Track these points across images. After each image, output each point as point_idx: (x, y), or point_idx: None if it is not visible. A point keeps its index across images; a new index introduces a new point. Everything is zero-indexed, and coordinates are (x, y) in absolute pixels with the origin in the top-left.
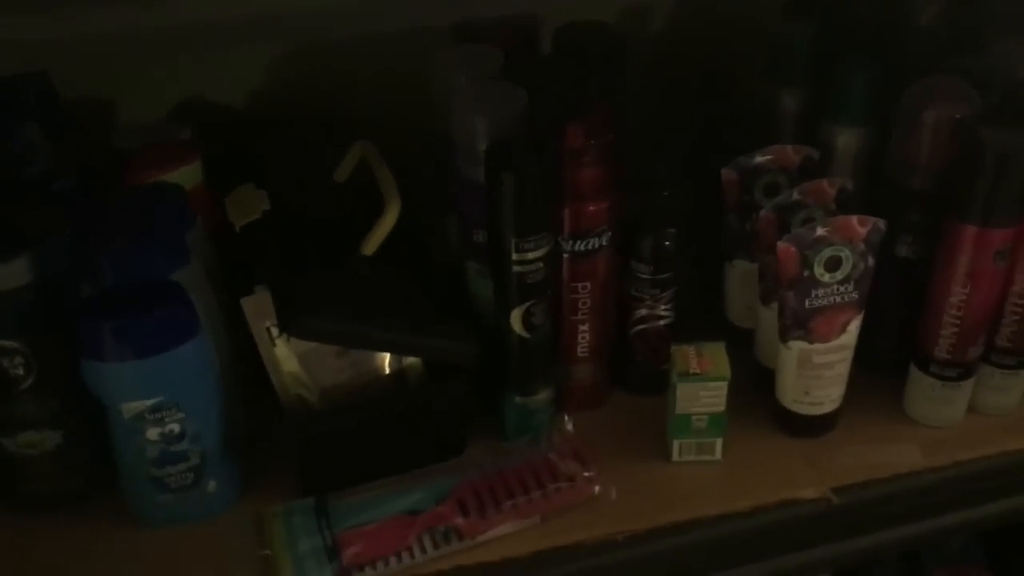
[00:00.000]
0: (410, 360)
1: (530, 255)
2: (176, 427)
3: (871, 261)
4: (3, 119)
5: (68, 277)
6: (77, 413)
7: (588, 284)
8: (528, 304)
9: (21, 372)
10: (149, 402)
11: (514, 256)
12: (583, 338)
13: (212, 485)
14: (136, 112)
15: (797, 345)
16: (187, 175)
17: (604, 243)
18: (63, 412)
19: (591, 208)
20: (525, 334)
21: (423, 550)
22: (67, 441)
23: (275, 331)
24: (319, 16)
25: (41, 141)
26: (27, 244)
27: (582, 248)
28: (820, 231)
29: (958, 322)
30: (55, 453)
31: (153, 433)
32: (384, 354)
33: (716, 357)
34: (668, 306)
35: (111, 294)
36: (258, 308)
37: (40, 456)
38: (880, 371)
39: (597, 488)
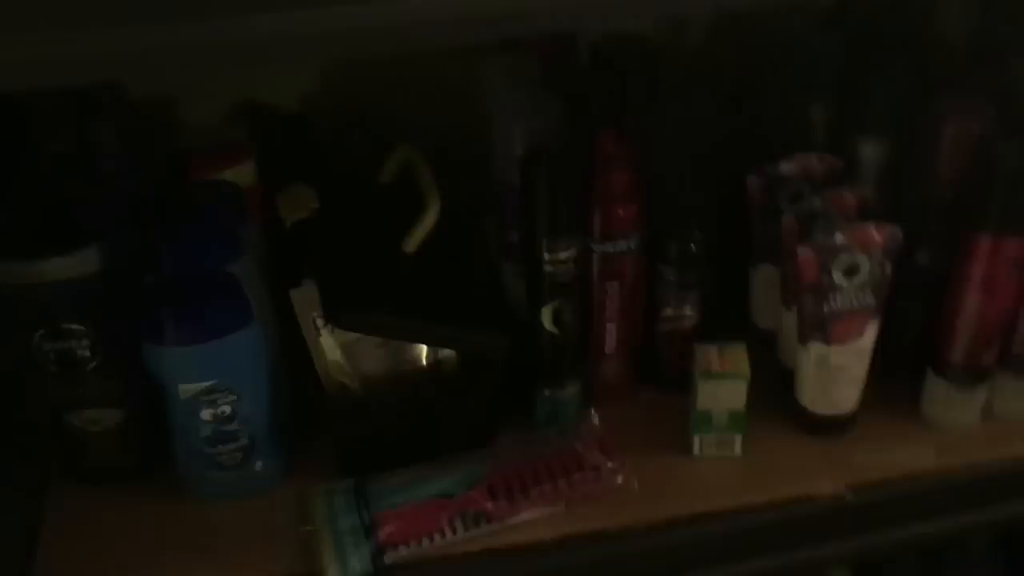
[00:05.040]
0: (445, 352)
1: (561, 255)
2: (228, 409)
3: (888, 268)
4: (81, 121)
5: (132, 266)
6: (137, 393)
7: (616, 284)
8: (557, 302)
9: (88, 354)
10: (204, 384)
11: (545, 256)
12: (610, 336)
13: (259, 465)
14: (198, 114)
15: (815, 347)
16: (242, 174)
17: (632, 246)
18: (124, 392)
19: (620, 212)
20: (554, 331)
21: (454, 532)
22: (127, 419)
23: (320, 322)
24: (369, 32)
25: (113, 141)
26: (96, 235)
27: (611, 250)
28: (839, 238)
29: (973, 328)
30: (116, 430)
31: (207, 414)
32: (421, 345)
33: (737, 357)
34: (693, 307)
35: (172, 283)
36: (305, 300)
37: (103, 432)
38: (899, 374)
39: (620, 478)
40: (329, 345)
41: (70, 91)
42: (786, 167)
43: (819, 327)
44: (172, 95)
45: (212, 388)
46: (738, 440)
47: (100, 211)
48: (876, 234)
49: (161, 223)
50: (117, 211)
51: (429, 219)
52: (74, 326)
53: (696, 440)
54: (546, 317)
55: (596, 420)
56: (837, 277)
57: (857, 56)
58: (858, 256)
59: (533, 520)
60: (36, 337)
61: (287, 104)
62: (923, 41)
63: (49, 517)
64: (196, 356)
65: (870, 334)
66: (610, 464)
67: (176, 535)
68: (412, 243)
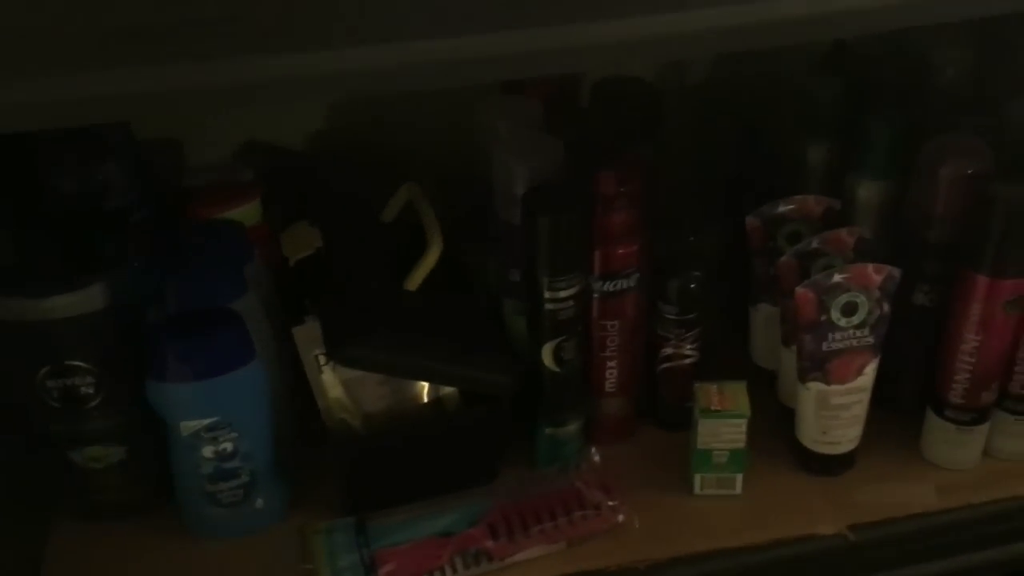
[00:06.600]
0: (446, 390)
1: (562, 294)
2: (229, 446)
3: (886, 307)
4: (88, 159)
5: (137, 302)
6: (140, 430)
7: (616, 323)
8: (559, 340)
9: (92, 391)
10: (205, 421)
11: (546, 294)
12: (611, 374)
13: (260, 502)
14: (204, 154)
15: (815, 386)
16: (248, 213)
17: (632, 284)
18: (127, 429)
19: (620, 251)
20: (555, 368)
21: (454, 570)
22: (130, 456)
23: (323, 359)
24: (372, 76)
25: (119, 179)
26: (102, 273)
27: (611, 288)
28: (837, 278)
29: (971, 368)
30: (119, 467)
31: (208, 451)
32: (423, 383)
33: (737, 395)
34: (693, 346)
35: (175, 319)
36: (308, 337)
37: (105, 469)
38: (898, 413)
39: (621, 517)
40: (331, 382)
41: (77, 130)
42: (784, 208)
43: (818, 366)
44: (179, 134)
45: (213, 425)
46: (739, 479)
47: (106, 249)
48: (874, 273)
49: (166, 261)
50: (123, 249)
51: (431, 258)
52: (78, 363)
53: (697, 478)
54: (547, 355)
55: (597, 458)
56: (835, 316)
57: (854, 98)
58: (856, 295)
59: (533, 558)
60: (40, 374)
61: (292, 144)
62: (919, 83)
63: (50, 553)
64: (198, 393)
65: (869, 373)
66: (611, 502)
67: (176, 572)
68: (414, 282)
